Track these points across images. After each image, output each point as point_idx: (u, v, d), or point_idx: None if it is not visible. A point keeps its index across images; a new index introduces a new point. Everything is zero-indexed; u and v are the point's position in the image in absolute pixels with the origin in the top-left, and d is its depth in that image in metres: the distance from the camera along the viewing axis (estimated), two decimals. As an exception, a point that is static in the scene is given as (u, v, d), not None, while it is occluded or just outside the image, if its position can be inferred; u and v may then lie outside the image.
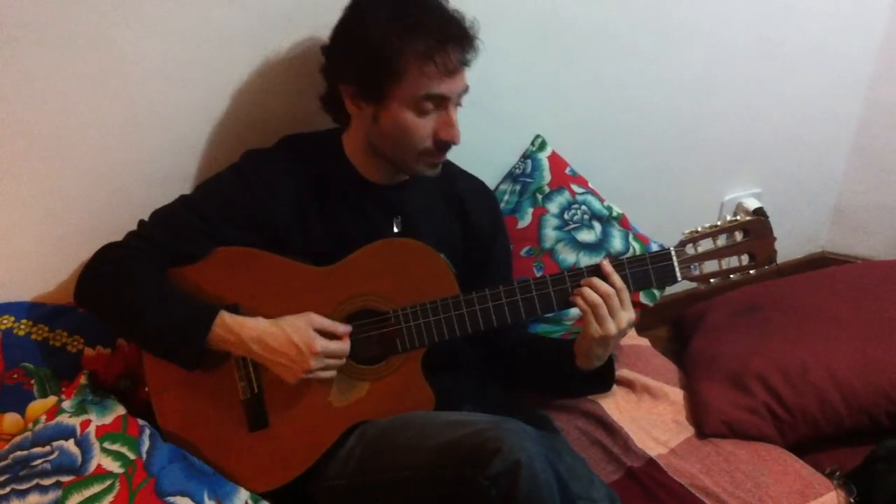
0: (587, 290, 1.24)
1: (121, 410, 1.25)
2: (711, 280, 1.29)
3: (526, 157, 1.81)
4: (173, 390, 1.25)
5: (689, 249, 1.27)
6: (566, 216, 1.75)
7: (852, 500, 1.40)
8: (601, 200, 1.81)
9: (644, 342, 1.86)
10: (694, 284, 1.31)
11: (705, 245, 1.28)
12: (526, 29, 1.69)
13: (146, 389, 1.27)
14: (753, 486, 1.41)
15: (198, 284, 1.25)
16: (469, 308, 1.26)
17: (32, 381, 1.28)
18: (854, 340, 1.64)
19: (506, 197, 1.78)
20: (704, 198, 2.21)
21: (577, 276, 1.25)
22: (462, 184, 1.45)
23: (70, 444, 1.17)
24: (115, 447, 1.19)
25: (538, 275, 1.44)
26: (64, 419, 1.20)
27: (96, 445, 1.18)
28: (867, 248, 2.48)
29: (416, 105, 1.21)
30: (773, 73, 2.10)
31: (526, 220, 1.74)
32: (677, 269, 1.26)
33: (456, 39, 1.21)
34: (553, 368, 1.40)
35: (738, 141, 2.15)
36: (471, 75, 1.26)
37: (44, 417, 1.21)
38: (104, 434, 1.20)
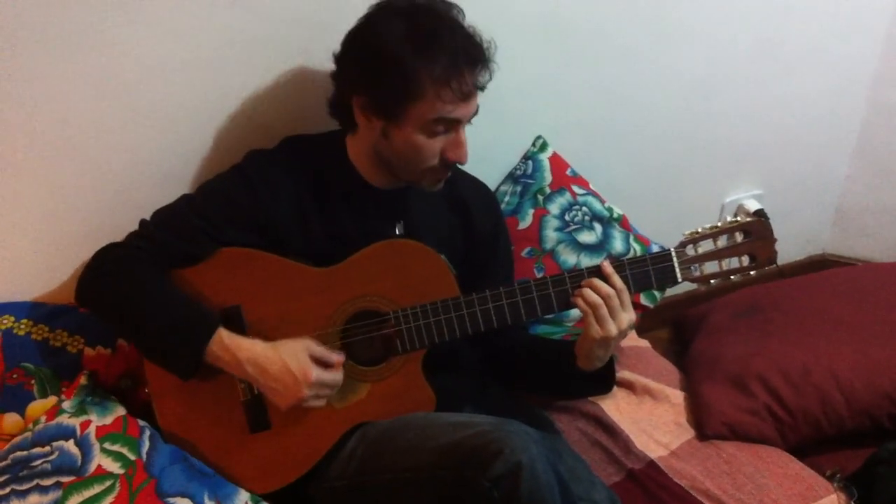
0: (587, 291, 1.23)
1: (121, 411, 1.25)
2: (712, 281, 1.29)
3: (527, 157, 1.81)
4: (174, 391, 1.25)
5: (690, 250, 1.27)
6: (567, 217, 1.75)
7: (853, 503, 1.40)
8: (602, 202, 1.81)
9: (644, 344, 1.86)
10: (694, 286, 1.31)
11: (706, 246, 1.28)
12: (527, 30, 1.69)
13: (146, 390, 1.26)
14: (754, 489, 1.41)
15: (200, 285, 1.25)
16: (469, 309, 1.26)
17: (32, 382, 1.28)
18: (856, 342, 1.64)
19: (506, 198, 1.77)
20: (705, 199, 2.21)
21: (578, 276, 1.25)
22: (464, 186, 1.45)
23: (70, 445, 1.17)
24: (116, 448, 1.19)
25: (539, 276, 1.44)
26: (64, 419, 1.20)
27: (96, 446, 1.18)
28: (868, 250, 2.47)
29: (427, 127, 1.21)
30: (775, 74, 2.09)
31: (527, 221, 1.74)
32: (678, 270, 1.26)
33: (473, 63, 1.20)
34: (553, 369, 1.40)
35: (740, 142, 2.15)
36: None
37: (44, 418, 1.21)
38: (104, 434, 1.20)
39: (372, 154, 1.29)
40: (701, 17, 1.91)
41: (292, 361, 1.17)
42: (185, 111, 1.39)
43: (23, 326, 1.31)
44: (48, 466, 1.14)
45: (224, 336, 1.18)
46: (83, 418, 1.21)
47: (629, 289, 1.25)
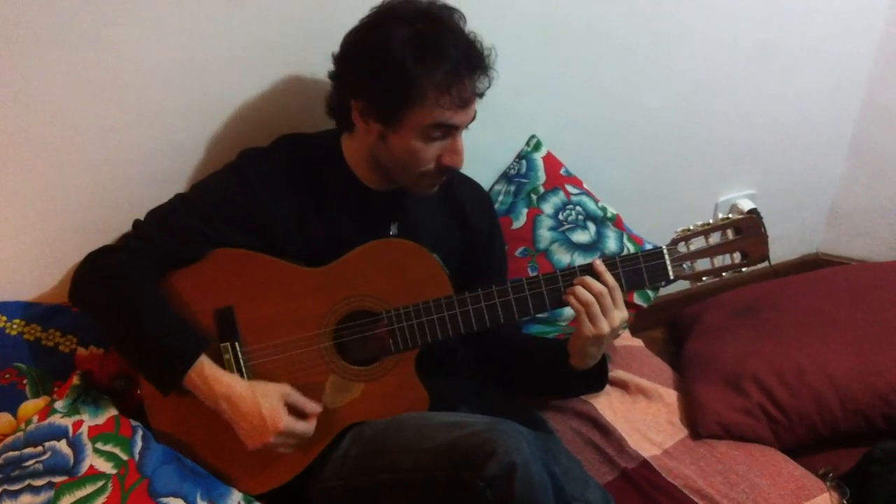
0: (580, 289, 1.24)
1: (113, 411, 1.24)
2: (704, 278, 1.29)
3: (521, 157, 1.81)
4: (167, 391, 1.25)
5: (682, 248, 1.27)
6: (561, 217, 1.75)
7: (845, 502, 1.40)
8: (596, 201, 1.81)
9: (638, 343, 1.86)
10: (688, 285, 1.31)
11: (697, 243, 1.28)
12: (523, 29, 1.69)
13: (139, 392, 1.26)
14: (747, 488, 1.41)
15: (193, 286, 1.25)
16: (462, 308, 1.26)
17: (25, 381, 1.28)
18: (850, 342, 1.64)
19: (500, 197, 1.77)
20: (699, 199, 2.21)
21: (570, 275, 1.25)
22: (460, 187, 1.45)
23: (62, 445, 1.17)
24: (108, 448, 1.18)
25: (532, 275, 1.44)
26: (56, 419, 1.20)
27: (89, 446, 1.18)
28: (863, 250, 2.47)
29: (424, 132, 1.21)
30: (770, 75, 2.10)
31: (520, 220, 1.74)
32: (669, 268, 1.26)
33: (473, 70, 1.20)
34: (547, 368, 1.40)
35: (734, 142, 2.15)
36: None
37: (36, 418, 1.21)
38: (97, 434, 1.20)
39: (368, 156, 1.29)
40: (696, 18, 1.91)
41: (265, 405, 1.17)
42: (181, 111, 1.39)
43: (15, 326, 1.31)
44: (40, 467, 1.14)
45: (206, 366, 1.18)
46: (75, 418, 1.20)
47: (621, 286, 1.25)
